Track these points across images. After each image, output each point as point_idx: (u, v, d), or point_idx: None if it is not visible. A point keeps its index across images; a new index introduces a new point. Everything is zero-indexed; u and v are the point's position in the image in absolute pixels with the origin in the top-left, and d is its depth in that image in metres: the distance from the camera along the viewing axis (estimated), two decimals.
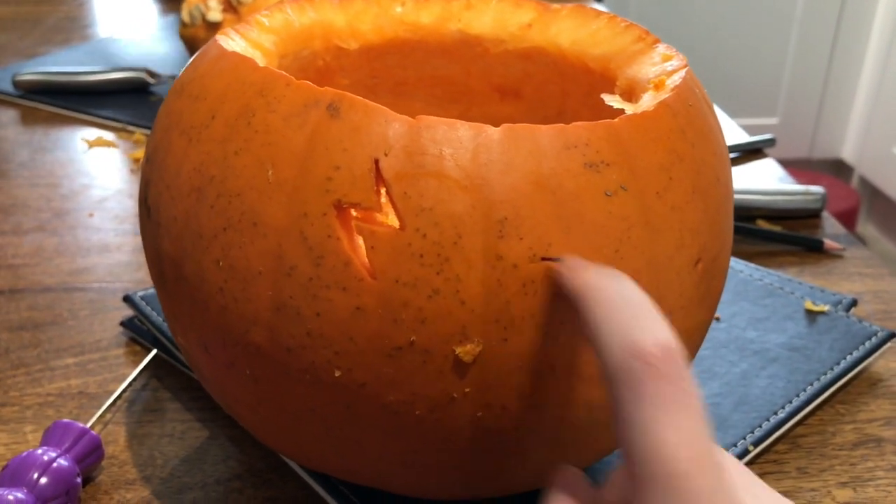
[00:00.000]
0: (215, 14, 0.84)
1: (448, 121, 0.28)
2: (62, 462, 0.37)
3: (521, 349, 0.28)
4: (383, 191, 0.27)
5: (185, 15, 0.86)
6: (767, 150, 0.77)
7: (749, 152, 0.77)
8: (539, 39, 0.41)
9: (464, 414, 0.29)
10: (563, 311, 0.28)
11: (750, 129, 0.81)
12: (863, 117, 2.03)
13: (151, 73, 0.85)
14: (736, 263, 0.55)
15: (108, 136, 0.78)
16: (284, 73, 0.29)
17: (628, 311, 0.24)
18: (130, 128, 0.79)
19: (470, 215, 0.27)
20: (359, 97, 0.28)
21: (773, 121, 2.08)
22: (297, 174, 0.27)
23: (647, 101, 0.32)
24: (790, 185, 0.70)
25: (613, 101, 0.33)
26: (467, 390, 0.28)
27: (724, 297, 0.52)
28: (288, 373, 0.29)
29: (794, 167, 2.04)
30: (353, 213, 0.27)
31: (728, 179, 0.33)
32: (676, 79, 0.33)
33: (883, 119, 1.95)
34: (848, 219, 1.81)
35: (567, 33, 0.40)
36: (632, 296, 0.24)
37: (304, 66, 0.40)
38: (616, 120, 0.29)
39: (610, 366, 0.23)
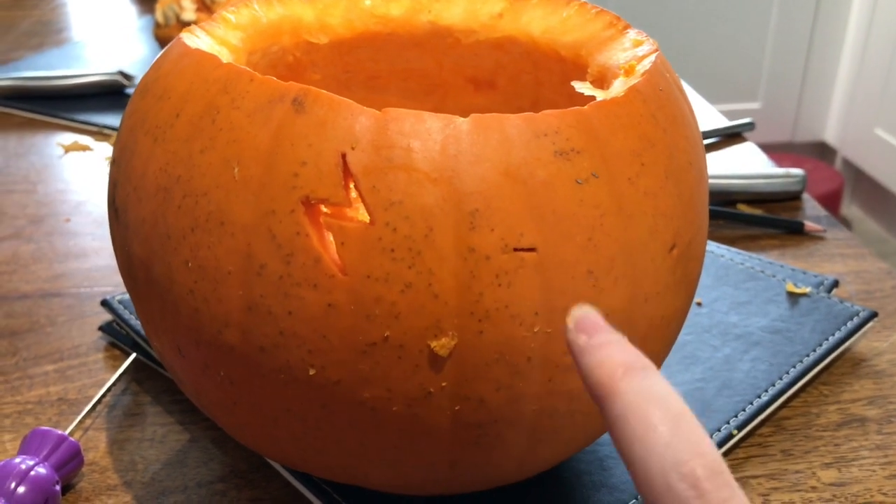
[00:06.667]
0: (189, 14, 0.83)
1: (416, 112, 0.27)
2: (40, 470, 0.36)
3: (497, 341, 0.27)
4: (352, 185, 0.27)
5: (159, 15, 0.85)
6: (748, 135, 0.77)
7: (729, 137, 0.77)
8: (510, 29, 0.41)
9: (442, 408, 0.28)
10: (538, 301, 0.27)
11: (732, 115, 0.81)
12: (844, 99, 2.03)
13: (126, 76, 0.84)
14: (717, 248, 0.55)
15: (84, 139, 0.77)
16: (248, 68, 0.29)
17: (666, 425, 0.21)
18: (106, 131, 0.78)
19: (440, 208, 0.26)
20: (324, 91, 0.27)
21: (755, 105, 2.08)
22: (263, 171, 0.27)
23: (618, 87, 0.32)
24: (770, 168, 0.70)
25: (584, 87, 0.33)
26: (444, 384, 0.28)
27: (706, 281, 0.52)
28: (262, 373, 0.28)
29: (777, 151, 2.05)
30: (322, 208, 0.27)
31: (701, 164, 0.33)
32: (647, 64, 0.32)
33: (864, 100, 1.95)
34: (832, 201, 1.81)
35: (538, 21, 0.40)
36: (666, 402, 0.21)
37: (274, 63, 0.39)
38: (586, 107, 0.29)
39: (651, 488, 0.20)
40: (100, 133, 0.78)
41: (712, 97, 0.90)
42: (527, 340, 0.28)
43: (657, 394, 0.21)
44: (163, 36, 0.86)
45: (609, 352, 0.23)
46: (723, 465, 0.20)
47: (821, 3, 1.98)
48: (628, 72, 0.32)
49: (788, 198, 0.65)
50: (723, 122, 0.78)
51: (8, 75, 0.83)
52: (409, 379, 0.28)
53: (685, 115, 0.33)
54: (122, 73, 0.84)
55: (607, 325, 0.24)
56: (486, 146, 0.27)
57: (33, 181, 0.69)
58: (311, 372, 0.28)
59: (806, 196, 0.66)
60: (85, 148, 0.75)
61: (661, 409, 0.21)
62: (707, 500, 0.19)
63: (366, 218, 0.27)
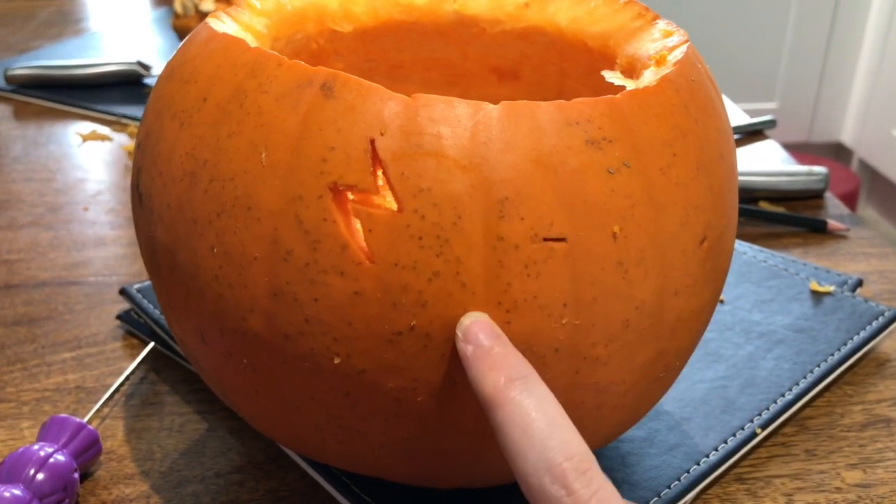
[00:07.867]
0: (208, 4, 0.83)
1: (446, 98, 0.27)
2: (59, 457, 0.36)
3: (524, 332, 0.27)
4: (380, 172, 0.26)
5: (177, 6, 0.85)
6: (768, 132, 0.77)
7: (750, 134, 0.76)
8: (536, 19, 0.40)
9: (467, 399, 0.28)
10: (567, 292, 0.27)
11: (749, 114, 0.81)
12: (861, 100, 2.02)
13: (144, 66, 0.84)
14: (739, 245, 0.55)
15: (102, 129, 0.77)
16: (276, 53, 0.28)
17: (540, 432, 0.24)
18: (124, 120, 0.78)
19: (470, 195, 0.26)
20: (353, 76, 0.27)
21: (771, 105, 2.07)
22: (290, 156, 0.27)
23: (649, 76, 0.31)
24: (793, 165, 0.69)
25: (614, 77, 0.33)
26: None
27: (729, 279, 0.51)
28: (286, 360, 0.28)
29: (794, 151, 2.03)
30: (350, 195, 0.26)
31: (732, 156, 0.33)
32: (678, 54, 0.32)
33: (882, 102, 1.94)
34: (848, 202, 1.80)
35: (564, 12, 0.40)
36: (541, 409, 0.24)
37: (298, 50, 0.39)
38: (618, 96, 0.28)
39: (529, 491, 0.23)
40: (118, 122, 0.78)
41: (729, 96, 0.89)
42: (554, 332, 0.27)
43: (533, 403, 0.24)
44: (181, 26, 0.86)
45: (492, 362, 0.25)
46: (591, 463, 0.23)
47: (839, 3, 1.97)
48: (659, 62, 0.32)
49: (811, 196, 0.65)
50: (745, 119, 0.78)
51: (27, 64, 0.83)
52: (434, 369, 0.27)
53: (716, 107, 0.32)
54: (140, 63, 0.84)
55: (494, 331, 0.26)
56: (516, 133, 0.27)
57: (52, 170, 0.69)
58: (336, 360, 0.27)
59: (828, 195, 0.65)
60: (103, 137, 0.75)
61: (536, 417, 0.24)
62: (576, 497, 0.22)
63: (393, 205, 0.26)
